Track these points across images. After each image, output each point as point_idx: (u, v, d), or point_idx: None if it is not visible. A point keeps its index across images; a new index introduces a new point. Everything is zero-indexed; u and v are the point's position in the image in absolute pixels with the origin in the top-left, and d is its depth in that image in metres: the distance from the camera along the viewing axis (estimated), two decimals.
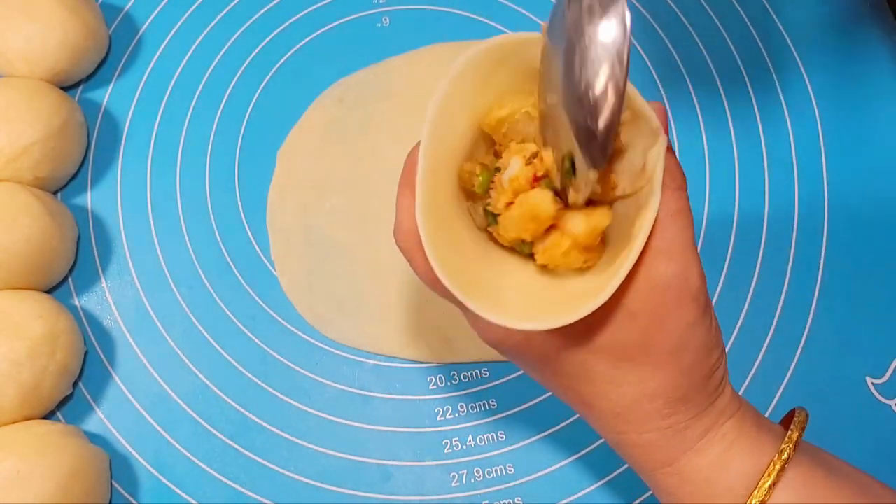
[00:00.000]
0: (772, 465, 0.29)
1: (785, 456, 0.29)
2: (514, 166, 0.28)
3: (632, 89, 0.27)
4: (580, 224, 0.28)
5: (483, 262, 0.30)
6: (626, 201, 0.29)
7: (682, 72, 0.51)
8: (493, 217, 0.30)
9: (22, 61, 0.47)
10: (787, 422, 0.34)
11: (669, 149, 0.29)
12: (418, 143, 0.29)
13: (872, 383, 0.45)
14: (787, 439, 0.30)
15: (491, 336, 0.30)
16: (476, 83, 0.29)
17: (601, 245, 0.29)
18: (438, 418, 0.45)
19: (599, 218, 0.28)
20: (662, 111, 0.30)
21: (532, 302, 0.29)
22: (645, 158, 0.28)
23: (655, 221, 0.27)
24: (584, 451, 0.44)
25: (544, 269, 0.30)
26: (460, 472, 0.44)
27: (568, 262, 0.28)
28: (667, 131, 0.29)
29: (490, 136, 0.30)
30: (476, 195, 0.30)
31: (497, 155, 0.30)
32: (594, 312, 0.27)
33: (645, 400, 0.29)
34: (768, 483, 0.29)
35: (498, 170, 0.29)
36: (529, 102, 0.29)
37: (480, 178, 0.29)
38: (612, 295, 0.27)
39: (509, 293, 0.29)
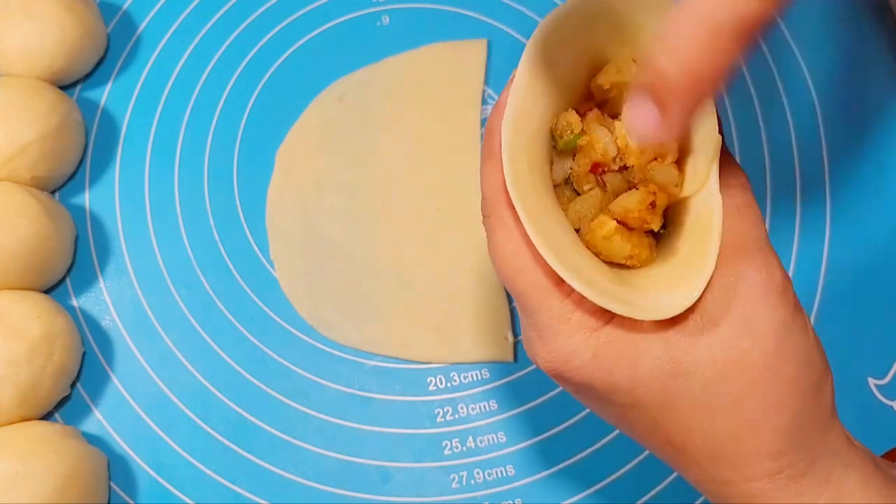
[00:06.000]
0: None
1: None
2: (632, 198, 0.26)
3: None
4: (632, 195, 0.26)
5: (556, 225, 0.27)
6: (681, 208, 0.27)
7: None
8: (571, 189, 0.28)
9: (20, 60, 0.47)
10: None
11: (725, 149, 0.27)
12: (497, 109, 0.27)
13: (874, 384, 0.45)
14: None
15: (556, 355, 0.26)
16: (586, 30, 0.28)
17: (648, 244, 0.27)
18: (438, 419, 0.44)
19: (656, 189, 0.26)
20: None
21: (603, 282, 0.26)
22: (702, 159, 0.27)
23: (723, 218, 0.26)
24: (585, 453, 0.43)
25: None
26: (460, 474, 0.43)
27: (609, 249, 0.27)
28: (721, 133, 0.27)
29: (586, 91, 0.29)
30: (558, 151, 0.28)
31: (581, 114, 0.28)
32: (669, 328, 0.25)
33: (746, 432, 0.25)
34: None
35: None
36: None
37: (569, 138, 0.28)
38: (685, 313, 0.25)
39: (580, 262, 0.27)
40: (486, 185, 0.27)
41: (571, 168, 0.28)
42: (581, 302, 0.26)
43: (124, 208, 0.49)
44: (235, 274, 0.47)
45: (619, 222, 0.27)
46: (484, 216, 0.28)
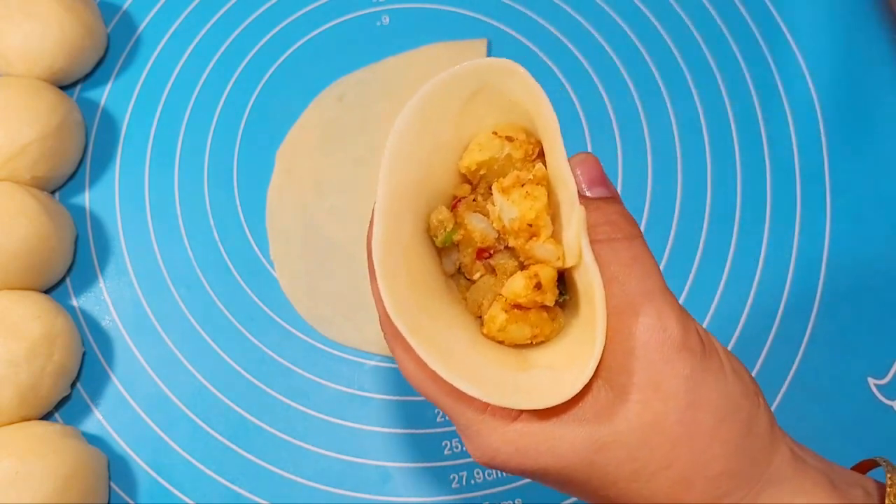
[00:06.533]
0: None
1: None
2: (517, 283, 0.26)
3: (551, 148, 0.26)
4: (517, 280, 0.26)
5: (453, 324, 0.27)
6: (573, 276, 0.27)
7: (682, 68, 0.51)
8: (464, 278, 0.28)
9: (20, 60, 0.47)
10: (862, 469, 0.29)
11: (614, 198, 0.27)
12: (370, 229, 0.27)
13: (874, 384, 0.45)
14: None
15: (482, 452, 0.27)
16: (446, 116, 0.28)
17: (550, 316, 0.27)
18: (438, 419, 0.44)
19: (537, 269, 0.26)
20: (590, 164, 0.27)
21: (504, 376, 0.26)
22: (570, 234, 0.26)
23: (609, 278, 0.25)
24: None
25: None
26: (460, 474, 0.43)
27: (510, 337, 0.27)
28: (601, 183, 0.27)
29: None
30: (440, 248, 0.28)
31: (454, 205, 0.28)
32: (582, 406, 0.25)
33: (681, 489, 0.25)
34: None
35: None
36: (510, 145, 0.27)
37: (444, 235, 0.28)
38: (591, 391, 0.25)
39: (478, 363, 0.27)
40: (378, 305, 0.27)
41: (458, 260, 0.28)
42: (486, 403, 0.26)
43: (124, 208, 0.49)
44: (235, 274, 0.47)
45: (514, 307, 0.26)
46: (384, 334, 0.28)
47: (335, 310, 0.46)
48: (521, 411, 0.26)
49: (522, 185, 0.26)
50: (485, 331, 0.27)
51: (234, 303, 0.47)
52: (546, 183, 0.26)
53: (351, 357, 0.46)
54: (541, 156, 0.28)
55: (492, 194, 0.27)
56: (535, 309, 0.27)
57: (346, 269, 0.47)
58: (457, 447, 0.44)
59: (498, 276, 0.27)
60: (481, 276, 0.28)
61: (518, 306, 0.26)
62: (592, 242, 0.26)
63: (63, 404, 0.45)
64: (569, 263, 0.26)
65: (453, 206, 0.28)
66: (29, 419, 0.43)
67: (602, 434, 0.25)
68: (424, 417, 0.44)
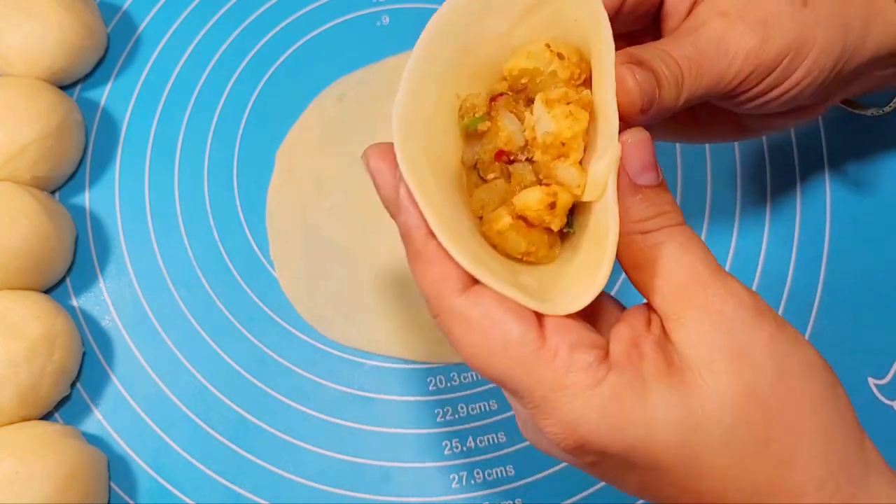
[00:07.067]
0: None
1: None
2: (533, 196, 0.26)
3: (600, 76, 0.26)
4: (533, 193, 0.25)
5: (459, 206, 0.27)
6: (587, 212, 0.27)
7: None
8: (478, 174, 0.28)
9: (20, 60, 0.47)
10: None
11: (662, 186, 0.26)
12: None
13: (875, 384, 0.45)
14: None
15: (563, 426, 0.24)
16: (506, 11, 0.27)
17: (549, 241, 0.27)
18: (438, 419, 0.44)
19: (557, 190, 0.26)
20: (642, 147, 0.26)
21: (504, 273, 0.26)
22: (601, 167, 0.25)
23: (668, 258, 0.25)
24: None
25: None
26: (460, 474, 0.43)
27: (505, 243, 0.26)
28: (652, 168, 0.26)
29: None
30: (465, 134, 0.28)
31: (493, 99, 0.28)
32: (670, 382, 0.24)
33: (782, 470, 0.23)
34: None
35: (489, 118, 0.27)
36: (558, 62, 0.27)
37: (470, 119, 0.27)
38: (676, 364, 0.24)
39: (482, 250, 0.26)
40: (424, 282, 0.26)
41: (478, 153, 0.28)
42: (571, 362, 0.24)
43: (124, 208, 0.49)
44: (235, 274, 0.47)
45: (519, 218, 0.26)
46: (434, 317, 0.26)
47: (335, 310, 0.46)
48: (608, 372, 0.24)
49: (568, 104, 0.26)
50: (484, 229, 0.27)
51: (234, 303, 0.47)
52: (590, 110, 0.26)
53: (351, 357, 0.46)
54: (586, 83, 0.27)
55: (531, 104, 0.27)
56: (538, 228, 0.26)
57: (346, 269, 0.47)
58: (457, 447, 0.44)
59: (511, 185, 0.27)
60: (495, 178, 0.27)
61: (524, 219, 0.26)
62: (646, 232, 0.25)
63: (63, 404, 0.45)
64: (588, 197, 0.26)
65: (493, 98, 0.28)
66: (29, 419, 0.43)
67: (696, 409, 0.23)
68: (425, 417, 0.44)
